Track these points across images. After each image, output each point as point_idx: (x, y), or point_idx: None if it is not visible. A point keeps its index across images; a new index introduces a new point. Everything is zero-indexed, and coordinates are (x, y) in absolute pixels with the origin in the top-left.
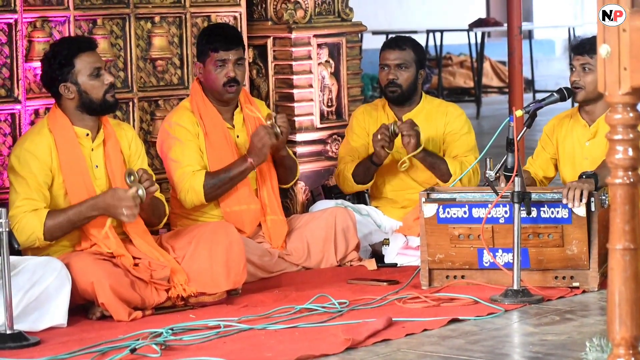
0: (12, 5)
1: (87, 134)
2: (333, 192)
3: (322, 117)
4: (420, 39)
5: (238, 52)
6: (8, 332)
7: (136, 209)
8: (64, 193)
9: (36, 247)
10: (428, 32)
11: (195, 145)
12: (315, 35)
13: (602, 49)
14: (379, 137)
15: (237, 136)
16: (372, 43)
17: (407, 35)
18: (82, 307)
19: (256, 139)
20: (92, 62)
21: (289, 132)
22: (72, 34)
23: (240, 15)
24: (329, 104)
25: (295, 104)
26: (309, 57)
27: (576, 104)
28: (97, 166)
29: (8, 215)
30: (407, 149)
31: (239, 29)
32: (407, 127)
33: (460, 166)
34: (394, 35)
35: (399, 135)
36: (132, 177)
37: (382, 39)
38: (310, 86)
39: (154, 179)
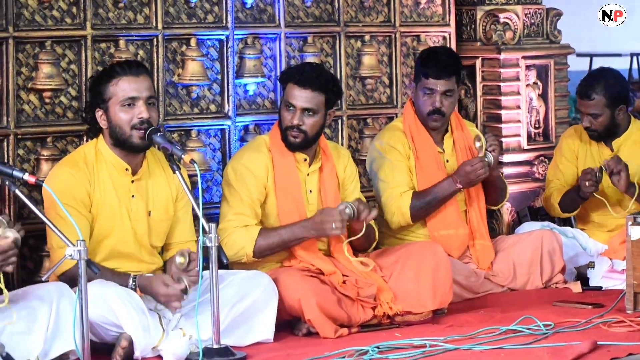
0: (224, 22)
1: (305, 159)
2: (539, 214)
3: (529, 139)
4: (624, 62)
5: (448, 83)
6: (215, 346)
7: (343, 223)
8: (276, 213)
9: (243, 263)
10: (632, 55)
11: (405, 166)
12: (523, 57)
13: None
14: (587, 184)
15: (447, 160)
16: (576, 65)
17: (600, 71)
18: (288, 323)
19: (470, 169)
20: None
21: (500, 152)
22: (283, 52)
23: (450, 35)
24: (536, 126)
25: (502, 125)
26: (517, 79)
27: None
28: (310, 191)
29: (218, 228)
30: (619, 187)
31: (450, 47)
32: (613, 164)
33: None
34: (584, 80)
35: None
36: (347, 209)
37: (586, 61)
38: (518, 107)
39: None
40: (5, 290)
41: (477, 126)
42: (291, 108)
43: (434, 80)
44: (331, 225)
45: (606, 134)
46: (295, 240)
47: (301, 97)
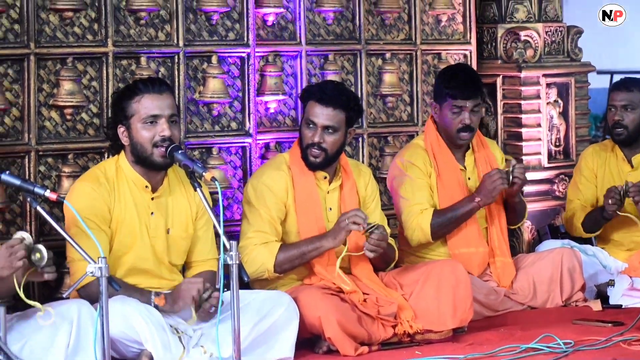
0: (245, 39)
1: (325, 177)
2: (559, 232)
3: (550, 157)
4: None
5: (475, 100)
6: None
7: (359, 220)
8: (296, 231)
9: (264, 279)
10: None
11: (426, 184)
12: (544, 75)
13: None
14: (610, 202)
15: (469, 178)
16: (597, 83)
17: (637, 77)
18: (308, 341)
19: (489, 180)
20: None
21: (525, 183)
22: (304, 69)
23: (471, 53)
24: (557, 144)
25: (523, 143)
26: (538, 97)
27: None
28: (330, 209)
29: (238, 246)
30: (638, 209)
31: (471, 65)
32: (636, 191)
33: None
34: (624, 77)
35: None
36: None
37: (606, 78)
38: (539, 125)
39: (389, 232)
40: (37, 303)
41: (497, 144)
42: (312, 126)
43: (462, 100)
44: (345, 220)
45: (633, 136)
46: (314, 250)
47: (322, 114)
